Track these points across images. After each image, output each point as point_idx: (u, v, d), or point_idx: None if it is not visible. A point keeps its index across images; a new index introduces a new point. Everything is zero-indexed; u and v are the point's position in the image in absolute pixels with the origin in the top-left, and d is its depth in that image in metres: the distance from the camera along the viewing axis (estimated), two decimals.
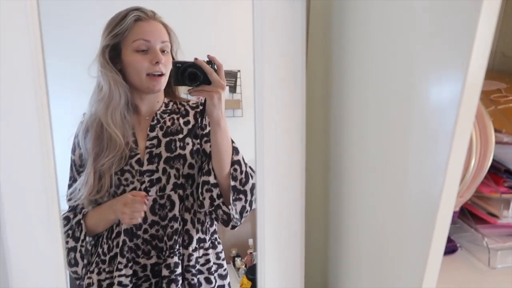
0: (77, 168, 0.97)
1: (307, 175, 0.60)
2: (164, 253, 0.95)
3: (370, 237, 0.56)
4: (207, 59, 0.87)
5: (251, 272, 2.04)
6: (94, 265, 0.96)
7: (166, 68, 0.94)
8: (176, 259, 0.94)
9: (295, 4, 0.54)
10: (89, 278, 0.96)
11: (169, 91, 1.03)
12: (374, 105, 0.52)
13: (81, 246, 0.93)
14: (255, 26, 0.55)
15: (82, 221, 0.94)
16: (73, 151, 0.98)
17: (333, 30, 0.63)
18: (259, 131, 0.58)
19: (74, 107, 1.07)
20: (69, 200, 0.96)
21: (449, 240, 0.60)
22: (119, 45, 0.92)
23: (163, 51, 0.94)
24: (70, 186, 0.97)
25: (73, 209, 0.97)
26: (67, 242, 0.93)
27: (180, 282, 0.95)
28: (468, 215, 0.61)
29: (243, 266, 2.15)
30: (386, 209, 0.50)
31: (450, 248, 0.61)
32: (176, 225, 0.95)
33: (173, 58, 0.97)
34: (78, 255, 0.94)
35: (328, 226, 0.70)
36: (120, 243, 0.93)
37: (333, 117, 0.65)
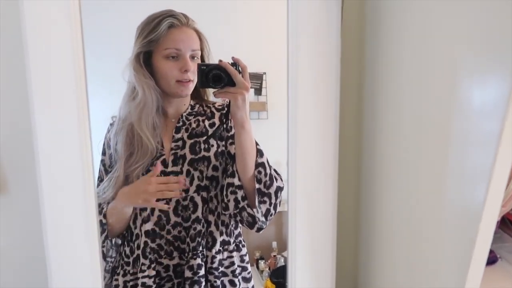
0: (106, 168, 0.99)
1: (339, 178, 0.58)
2: (186, 254, 0.95)
3: (404, 244, 0.53)
4: (232, 61, 0.87)
5: (275, 275, 2.02)
6: (119, 267, 0.98)
7: (194, 74, 0.94)
8: (199, 260, 0.94)
9: (330, 3, 0.52)
10: (116, 280, 0.97)
11: (195, 93, 1.04)
12: (411, 107, 0.50)
13: (102, 246, 0.95)
14: (289, 26, 0.54)
15: (103, 220, 0.94)
16: (103, 152, 1.00)
17: (367, 29, 0.61)
18: (292, 133, 0.57)
19: (103, 109, 1.10)
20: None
21: (489, 250, 0.57)
22: (151, 51, 0.94)
23: (193, 58, 0.95)
24: (97, 186, 0.99)
25: None
26: None
27: (203, 284, 0.94)
28: (510, 225, 0.57)
29: (267, 269, 2.13)
30: (423, 216, 0.48)
31: (490, 259, 0.57)
32: (199, 227, 0.95)
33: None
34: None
35: (359, 231, 0.68)
36: (142, 245, 0.94)
37: (367, 119, 0.63)
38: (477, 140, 0.37)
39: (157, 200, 0.90)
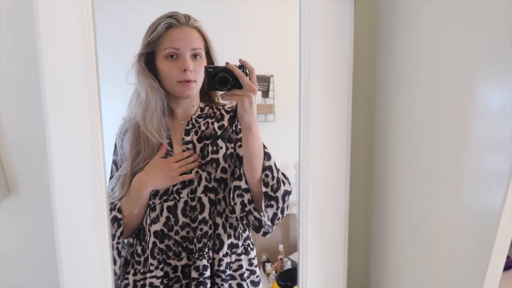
0: (117, 168, 1.00)
1: (351, 180, 0.58)
2: (194, 255, 0.95)
3: (418, 250, 0.52)
4: (239, 64, 0.87)
5: (281, 278, 2.01)
6: (130, 266, 0.99)
7: (196, 74, 0.95)
8: (205, 262, 0.94)
9: (343, 4, 0.52)
10: (126, 279, 0.98)
11: (204, 95, 1.04)
12: (426, 109, 0.49)
13: (117, 243, 0.95)
14: (302, 28, 0.54)
15: (118, 216, 0.95)
16: (114, 152, 1.01)
17: (380, 31, 0.61)
18: (303, 135, 0.57)
19: (116, 110, 1.11)
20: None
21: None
22: (153, 52, 0.95)
23: (195, 57, 0.95)
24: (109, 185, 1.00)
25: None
26: None
27: (209, 285, 0.94)
28: None
29: (274, 272, 2.12)
30: (437, 220, 0.47)
31: (507, 265, 0.56)
32: (205, 228, 0.95)
33: (212, 63, 0.98)
34: (115, 252, 0.96)
35: (371, 234, 0.68)
36: (151, 245, 0.94)
37: (380, 121, 0.62)
38: (494, 143, 0.36)
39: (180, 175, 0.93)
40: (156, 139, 0.94)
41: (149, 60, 0.96)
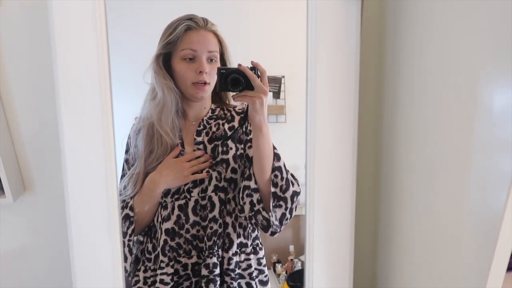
0: (129, 166, 1.02)
1: (358, 181, 0.58)
2: (204, 253, 0.96)
3: (424, 250, 0.52)
4: (251, 65, 0.88)
5: (291, 279, 2.01)
6: (141, 263, 1.00)
7: (211, 77, 0.96)
8: (215, 259, 0.95)
9: (350, 5, 0.52)
10: (137, 275, 1.00)
11: (216, 97, 1.06)
12: (432, 111, 0.49)
13: (129, 240, 0.97)
14: (309, 28, 0.55)
15: (130, 214, 0.97)
16: (127, 151, 1.03)
17: (388, 32, 0.60)
18: (310, 136, 0.57)
19: (128, 110, 1.13)
20: (119, 195, 1.00)
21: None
22: (170, 53, 0.97)
23: (211, 60, 0.97)
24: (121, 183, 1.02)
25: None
26: None
27: (218, 283, 0.95)
28: None
29: (284, 273, 2.12)
30: (442, 222, 0.47)
31: (509, 265, 0.55)
32: (215, 227, 0.96)
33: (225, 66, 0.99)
34: (126, 249, 0.98)
35: (378, 235, 0.67)
36: (162, 243, 0.96)
37: (386, 123, 0.62)
38: (499, 144, 0.36)
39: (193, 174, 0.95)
40: (170, 138, 0.96)
41: (165, 60, 0.98)
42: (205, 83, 0.96)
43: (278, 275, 2.12)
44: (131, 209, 0.96)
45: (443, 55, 0.46)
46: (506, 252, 0.35)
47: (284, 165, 0.93)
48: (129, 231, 0.97)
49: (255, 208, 0.94)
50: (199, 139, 0.99)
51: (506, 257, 0.35)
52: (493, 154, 0.37)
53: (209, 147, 0.98)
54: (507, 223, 0.33)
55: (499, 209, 0.34)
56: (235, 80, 0.86)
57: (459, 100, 0.43)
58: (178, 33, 0.95)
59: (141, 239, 1.03)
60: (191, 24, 0.95)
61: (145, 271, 0.99)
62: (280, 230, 0.96)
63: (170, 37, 0.95)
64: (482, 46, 0.39)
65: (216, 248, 0.96)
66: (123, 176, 1.03)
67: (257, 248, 1.04)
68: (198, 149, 0.98)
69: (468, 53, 0.42)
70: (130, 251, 0.99)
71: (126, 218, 0.98)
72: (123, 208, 1.00)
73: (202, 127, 1.01)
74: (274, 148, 0.93)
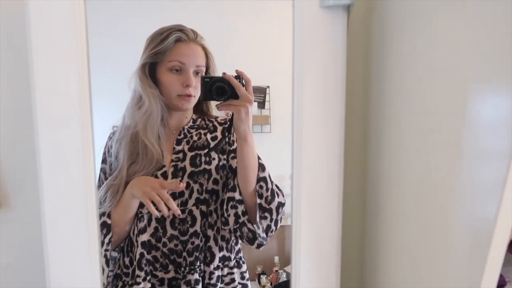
0: (106, 177, 0.99)
1: (345, 191, 0.57)
2: (184, 268, 0.94)
3: (412, 264, 0.52)
4: (236, 74, 0.87)
5: None
6: (118, 278, 0.97)
7: (196, 90, 0.95)
8: (196, 276, 0.92)
9: (336, 15, 0.52)
10: None
11: (198, 108, 1.04)
12: (420, 120, 0.49)
13: (106, 250, 0.93)
14: (295, 39, 0.54)
15: (107, 221, 0.92)
16: (104, 161, 1.00)
17: (374, 44, 0.61)
18: (296, 146, 0.57)
19: (102, 120, 1.10)
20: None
21: None
22: (156, 63, 0.95)
23: (196, 73, 0.96)
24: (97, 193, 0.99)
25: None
26: None
27: None
28: None
29: (269, 284, 2.10)
30: (429, 233, 0.47)
31: (499, 283, 0.55)
32: (197, 241, 0.93)
33: None
34: (103, 260, 0.94)
35: (365, 246, 0.67)
36: (138, 256, 0.93)
37: (373, 132, 0.62)
38: (487, 153, 0.36)
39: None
40: (155, 149, 0.93)
41: (150, 70, 0.96)
42: (190, 95, 0.95)
43: (263, 287, 2.10)
44: (109, 216, 0.93)
45: (430, 66, 0.47)
46: (495, 268, 0.34)
47: (269, 176, 0.92)
48: (106, 240, 0.93)
49: (240, 220, 0.92)
50: (179, 148, 0.97)
51: (496, 275, 0.34)
52: (481, 165, 0.37)
53: (189, 154, 0.96)
54: (497, 237, 0.33)
55: (489, 222, 0.34)
56: (220, 89, 0.85)
57: (448, 111, 0.43)
58: (168, 44, 0.93)
59: (116, 255, 0.99)
60: (181, 36, 0.94)
61: (123, 286, 0.96)
62: (266, 243, 0.95)
63: (159, 47, 0.93)
64: (470, 57, 0.40)
65: (198, 264, 0.93)
66: (99, 186, 1.00)
67: (240, 262, 1.02)
68: (177, 158, 0.96)
69: (456, 63, 0.42)
70: (107, 262, 0.95)
71: (103, 226, 0.94)
72: (100, 216, 0.96)
73: (182, 135, 0.99)
74: (259, 158, 0.92)
